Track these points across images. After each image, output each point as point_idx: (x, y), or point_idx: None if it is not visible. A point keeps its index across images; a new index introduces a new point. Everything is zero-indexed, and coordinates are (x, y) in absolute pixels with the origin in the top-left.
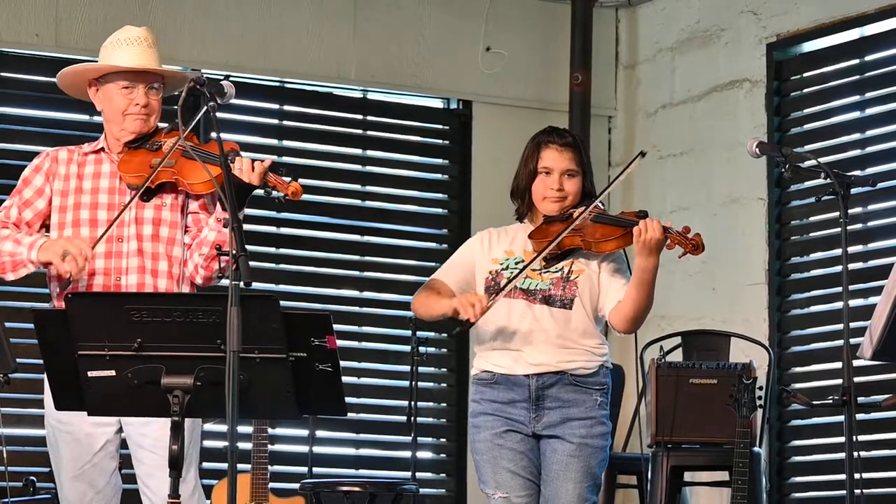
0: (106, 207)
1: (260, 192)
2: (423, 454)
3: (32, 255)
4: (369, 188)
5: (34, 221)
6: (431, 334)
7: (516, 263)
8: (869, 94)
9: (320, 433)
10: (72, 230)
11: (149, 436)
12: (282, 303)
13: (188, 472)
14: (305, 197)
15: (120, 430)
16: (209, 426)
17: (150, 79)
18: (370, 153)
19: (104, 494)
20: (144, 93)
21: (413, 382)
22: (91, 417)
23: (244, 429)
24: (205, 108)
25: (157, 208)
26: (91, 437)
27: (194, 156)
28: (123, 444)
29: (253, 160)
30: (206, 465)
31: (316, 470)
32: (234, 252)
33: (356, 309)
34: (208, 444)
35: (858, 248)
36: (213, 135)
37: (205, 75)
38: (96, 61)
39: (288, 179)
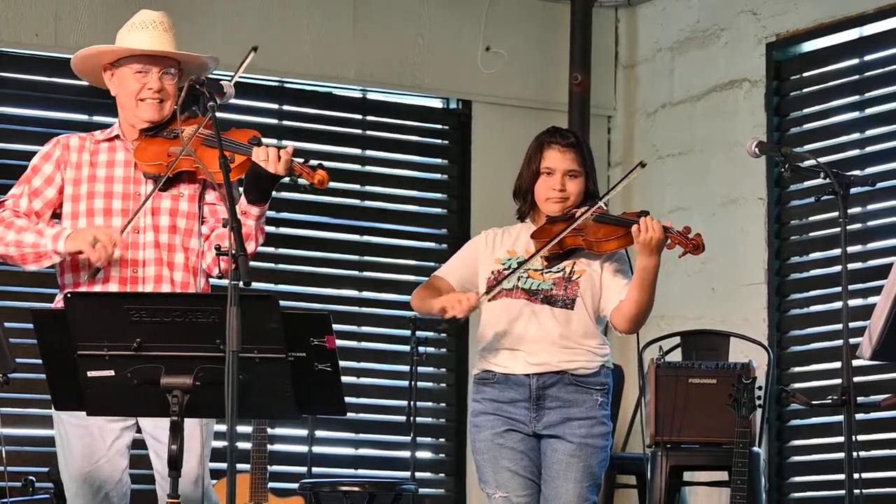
0: (121, 196)
1: (285, 180)
2: (423, 454)
3: (59, 245)
4: (369, 188)
5: (43, 211)
6: (431, 334)
7: (518, 263)
8: (868, 94)
9: (320, 433)
10: (86, 220)
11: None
12: (281, 303)
13: (206, 476)
14: (304, 196)
15: (135, 426)
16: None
17: (164, 63)
18: (370, 153)
19: (116, 492)
20: (158, 77)
21: (412, 382)
22: None
23: (243, 428)
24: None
25: (174, 199)
26: (104, 432)
27: (216, 144)
28: (137, 444)
29: (278, 148)
30: None
31: (315, 470)
32: (233, 252)
33: (356, 309)
34: None
35: (858, 247)
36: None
37: (204, 76)
38: None
39: (314, 166)
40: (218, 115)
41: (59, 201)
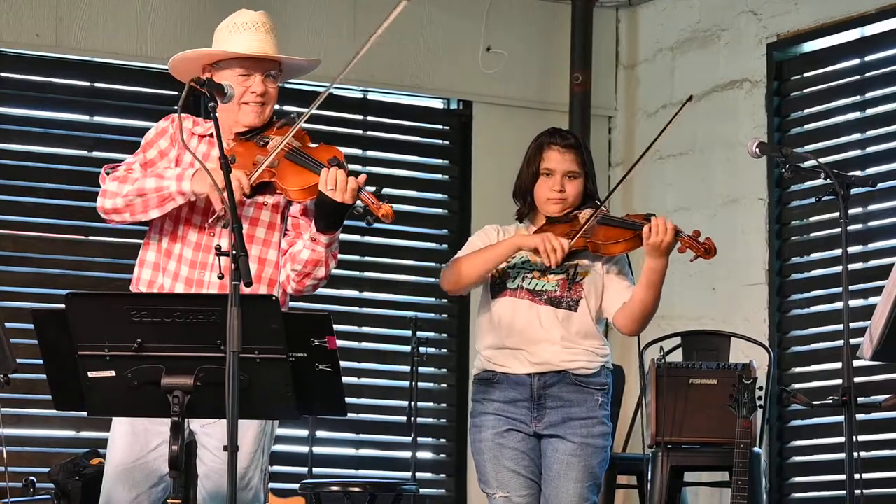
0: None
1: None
2: (423, 454)
3: (184, 186)
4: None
5: None
6: (431, 334)
7: (523, 263)
8: (869, 95)
9: (320, 433)
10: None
11: (213, 436)
12: None
13: (252, 477)
14: None
15: (188, 432)
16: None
17: (267, 66)
18: (370, 153)
19: (147, 496)
20: (262, 80)
21: (413, 383)
22: None
23: None
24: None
25: (257, 207)
26: (149, 434)
27: (299, 158)
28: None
29: (348, 173)
30: None
31: (316, 470)
32: (233, 252)
33: (356, 309)
34: None
35: (858, 248)
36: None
37: (205, 76)
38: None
39: (381, 197)
40: (305, 125)
41: None
